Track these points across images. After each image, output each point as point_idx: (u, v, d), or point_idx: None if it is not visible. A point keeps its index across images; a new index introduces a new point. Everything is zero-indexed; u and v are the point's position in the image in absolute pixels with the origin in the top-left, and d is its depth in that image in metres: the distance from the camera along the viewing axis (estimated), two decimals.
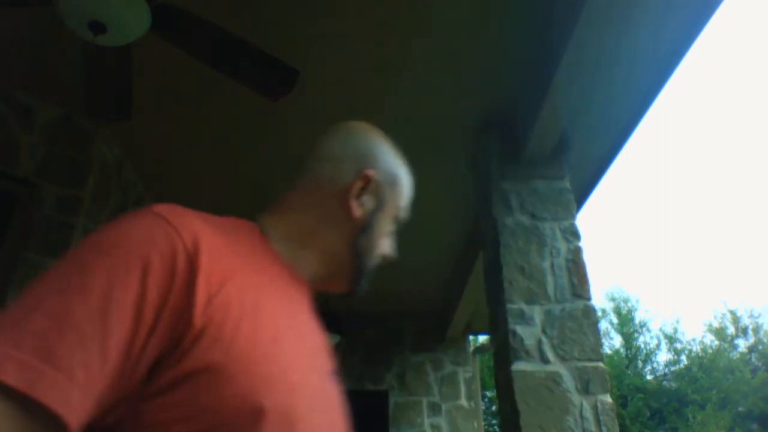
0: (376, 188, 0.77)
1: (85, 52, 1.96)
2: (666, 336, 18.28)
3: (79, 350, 0.47)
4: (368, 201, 0.77)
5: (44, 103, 2.81)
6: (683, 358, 17.92)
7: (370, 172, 0.76)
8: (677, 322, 20.10)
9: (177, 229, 0.57)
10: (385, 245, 0.80)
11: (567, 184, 2.83)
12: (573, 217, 2.76)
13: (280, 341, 0.61)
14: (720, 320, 18.76)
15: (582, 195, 3.45)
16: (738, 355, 17.80)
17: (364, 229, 0.76)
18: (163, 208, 0.60)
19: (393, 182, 0.80)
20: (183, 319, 0.52)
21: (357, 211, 0.75)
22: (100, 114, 2.34)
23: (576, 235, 2.71)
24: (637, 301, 19.84)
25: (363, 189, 0.76)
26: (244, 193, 3.61)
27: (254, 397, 0.54)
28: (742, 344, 18.32)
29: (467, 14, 2.35)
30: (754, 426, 15.72)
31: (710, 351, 17.68)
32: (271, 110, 2.69)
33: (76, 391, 0.46)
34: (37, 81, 2.73)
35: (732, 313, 18.60)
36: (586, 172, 3.31)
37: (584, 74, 2.31)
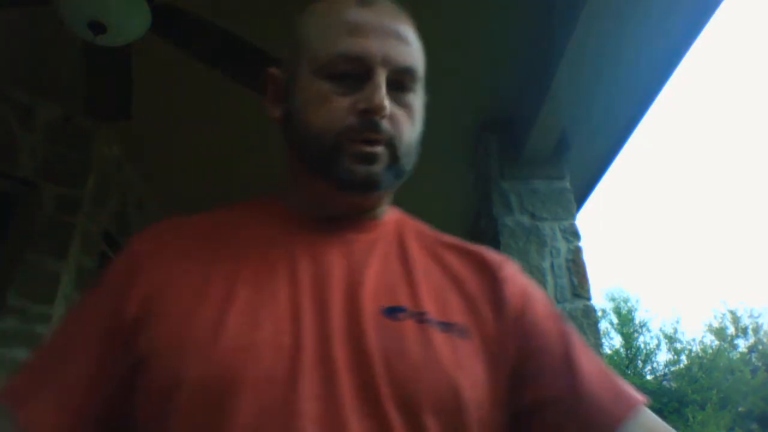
0: (279, 76, 0.67)
1: (85, 52, 1.96)
2: (666, 336, 18.30)
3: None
4: (278, 95, 0.66)
5: (44, 103, 2.81)
6: (683, 358, 17.94)
7: (271, 70, 0.68)
8: (677, 322, 20.13)
9: (134, 242, 0.64)
10: (323, 111, 0.59)
11: (567, 184, 2.83)
12: (573, 217, 2.76)
13: (228, 312, 0.54)
14: (720, 320, 18.78)
15: (582, 195, 3.45)
16: (738, 355, 17.80)
17: (287, 120, 0.64)
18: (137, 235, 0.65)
19: (295, 44, 0.65)
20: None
21: (274, 112, 0.66)
22: (100, 114, 2.34)
23: (576, 235, 2.71)
24: (637, 301, 19.87)
25: (272, 89, 0.67)
26: (244, 193, 3.61)
27: (173, 370, 0.51)
28: (742, 344, 18.33)
29: (467, 14, 2.35)
30: (754, 426, 15.72)
31: (710, 351, 17.69)
32: None
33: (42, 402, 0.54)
34: (37, 81, 2.73)
35: (732, 313, 18.62)
36: (586, 172, 3.30)
37: (584, 74, 2.31)
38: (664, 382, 17.12)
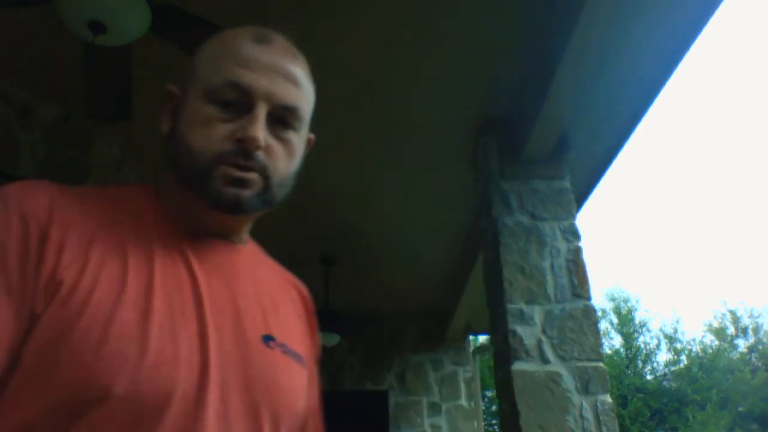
0: (176, 93, 0.68)
1: (85, 52, 1.96)
2: (666, 336, 18.29)
3: None
4: (170, 110, 0.68)
5: (44, 103, 2.81)
6: (683, 358, 17.92)
7: (169, 87, 0.70)
8: (677, 322, 20.14)
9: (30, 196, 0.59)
10: (204, 133, 0.62)
11: (567, 184, 2.83)
12: (573, 217, 2.76)
13: (116, 307, 0.55)
14: (720, 320, 18.77)
15: (582, 195, 3.45)
16: (738, 355, 17.80)
17: (171, 136, 0.66)
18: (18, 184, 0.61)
19: (192, 66, 0.67)
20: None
21: (163, 126, 0.68)
22: (100, 114, 2.34)
23: (576, 235, 2.71)
24: (637, 301, 19.81)
25: (168, 105, 0.69)
26: None
27: (95, 381, 0.52)
28: (742, 344, 18.32)
29: (467, 14, 2.35)
30: (754, 426, 15.72)
31: (710, 351, 17.68)
32: None
33: None
34: (37, 81, 2.73)
35: (732, 313, 18.61)
36: (586, 172, 3.30)
37: (584, 74, 2.31)
38: (664, 382, 17.10)
